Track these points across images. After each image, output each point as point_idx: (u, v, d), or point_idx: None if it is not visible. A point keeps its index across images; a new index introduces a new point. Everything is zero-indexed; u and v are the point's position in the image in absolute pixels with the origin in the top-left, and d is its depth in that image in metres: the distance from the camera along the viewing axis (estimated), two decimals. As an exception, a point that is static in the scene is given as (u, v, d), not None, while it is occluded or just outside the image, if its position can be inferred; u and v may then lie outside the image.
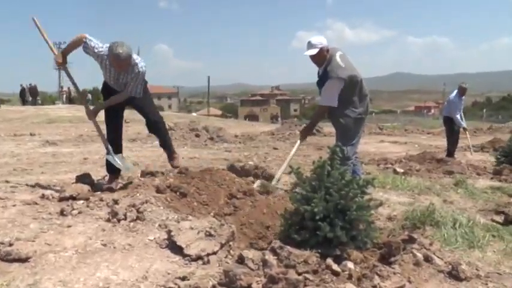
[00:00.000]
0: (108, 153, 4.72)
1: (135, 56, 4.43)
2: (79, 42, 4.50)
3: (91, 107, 4.84)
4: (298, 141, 5.04)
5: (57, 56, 4.69)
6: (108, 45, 4.36)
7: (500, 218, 4.36)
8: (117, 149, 4.87)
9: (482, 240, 3.58)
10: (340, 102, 4.65)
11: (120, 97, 4.62)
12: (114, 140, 4.85)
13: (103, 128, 4.87)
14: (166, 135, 5.04)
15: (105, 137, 4.84)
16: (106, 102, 4.71)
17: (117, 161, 4.67)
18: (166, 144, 5.00)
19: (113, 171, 4.84)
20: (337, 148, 4.23)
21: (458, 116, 9.38)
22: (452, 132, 9.57)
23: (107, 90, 4.76)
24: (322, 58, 4.69)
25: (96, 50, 4.43)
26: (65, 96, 35.97)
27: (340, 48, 4.84)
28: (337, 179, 2.96)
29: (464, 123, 9.56)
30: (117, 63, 4.29)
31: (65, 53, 4.72)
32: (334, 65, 4.65)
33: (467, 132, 9.77)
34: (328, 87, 4.66)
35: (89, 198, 3.99)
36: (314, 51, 4.61)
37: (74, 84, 5.12)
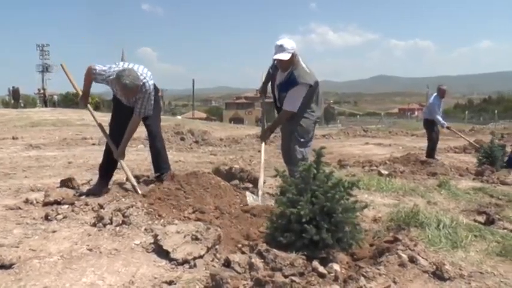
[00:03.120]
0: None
1: (143, 74, 4.38)
2: (89, 77, 4.51)
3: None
4: (263, 144, 5.05)
5: (81, 99, 4.81)
6: (114, 67, 4.35)
7: (482, 218, 4.43)
8: (113, 163, 4.77)
9: (465, 240, 3.63)
10: (301, 106, 4.66)
11: (134, 124, 4.55)
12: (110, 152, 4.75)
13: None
14: (160, 155, 4.84)
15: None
16: (126, 137, 4.55)
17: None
18: (157, 162, 4.85)
19: (106, 175, 4.78)
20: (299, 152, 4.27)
21: (439, 117, 9.67)
22: (432, 134, 9.83)
23: (118, 102, 4.70)
24: (291, 63, 4.60)
25: (105, 77, 4.40)
26: (41, 98, 35.61)
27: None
28: (323, 181, 2.99)
29: (444, 124, 9.85)
30: (124, 92, 4.29)
31: (85, 92, 4.77)
32: (301, 70, 4.61)
33: (452, 129, 10.05)
34: (295, 92, 4.61)
35: (74, 203, 3.96)
36: (287, 56, 4.51)
37: (95, 120, 4.93)
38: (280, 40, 4.55)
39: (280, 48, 4.51)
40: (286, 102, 4.70)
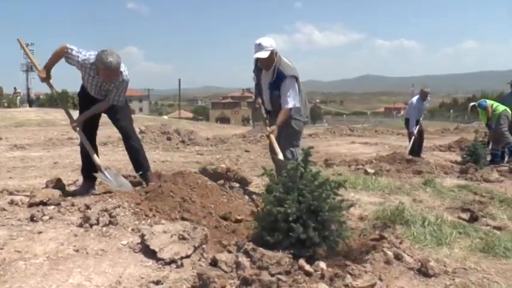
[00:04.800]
0: (99, 170, 4.51)
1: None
2: (61, 54, 4.38)
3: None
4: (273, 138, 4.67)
5: (40, 72, 4.56)
6: (91, 52, 4.26)
7: (466, 216, 4.51)
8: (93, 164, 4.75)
9: (450, 237, 3.68)
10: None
11: (102, 106, 4.53)
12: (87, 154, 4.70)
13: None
14: (139, 153, 4.78)
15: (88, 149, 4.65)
16: (89, 111, 4.52)
17: (109, 178, 4.47)
18: (137, 161, 4.79)
19: (89, 176, 4.74)
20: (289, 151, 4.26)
21: (413, 120, 9.61)
22: (411, 134, 9.75)
23: (85, 96, 4.62)
24: (271, 61, 4.61)
25: (80, 60, 4.28)
26: (19, 98, 35.23)
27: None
28: (309, 180, 3.01)
29: (414, 129, 9.61)
30: (107, 72, 4.17)
31: (47, 67, 4.56)
32: (283, 64, 4.64)
33: (412, 137, 9.62)
34: (288, 87, 4.59)
35: (60, 204, 3.93)
36: (266, 54, 4.52)
37: (56, 94, 4.81)
38: (259, 39, 4.56)
39: (259, 47, 4.53)
40: (285, 99, 4.62)
